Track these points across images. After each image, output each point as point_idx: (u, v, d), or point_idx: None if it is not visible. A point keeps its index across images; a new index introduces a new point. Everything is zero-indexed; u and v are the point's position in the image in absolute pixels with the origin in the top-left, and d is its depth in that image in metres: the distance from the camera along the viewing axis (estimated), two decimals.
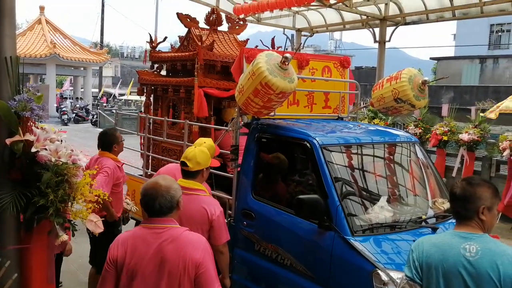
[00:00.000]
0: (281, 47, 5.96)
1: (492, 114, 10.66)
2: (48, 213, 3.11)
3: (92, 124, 28.94)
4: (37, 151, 3.12)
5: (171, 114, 6.75)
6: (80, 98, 35.60)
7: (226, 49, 6.64)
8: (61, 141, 3.29)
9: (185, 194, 3.73)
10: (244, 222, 4.73)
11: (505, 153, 9.38)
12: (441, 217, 4.48)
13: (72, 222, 3.31)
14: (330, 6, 11.42)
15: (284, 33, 14.69)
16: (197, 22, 6.73)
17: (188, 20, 6.67)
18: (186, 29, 6.71)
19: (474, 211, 2.60)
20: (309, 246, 4.09)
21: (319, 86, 5.61)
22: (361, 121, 8.02)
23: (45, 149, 3.14)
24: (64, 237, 3.21)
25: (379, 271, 3.54)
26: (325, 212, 3.92)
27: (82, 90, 37.44)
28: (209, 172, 4.35)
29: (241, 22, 7.35)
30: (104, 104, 34.09)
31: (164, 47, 7.84)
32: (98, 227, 3.35)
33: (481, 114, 10.75)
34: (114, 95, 41.10)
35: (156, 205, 2.91)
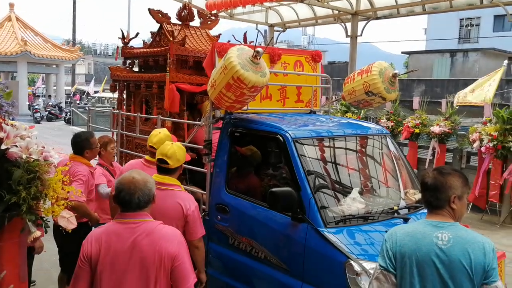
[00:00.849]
0: (253, 41, 5.96)
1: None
2: (22, 211, 3.07)
3: (66, 122, 28.49)
4: (7, 148, 3.08)
5: (144, 110, 6.71)
6: (53, 95, 35.04)
7: (199, 44, 6.63)
8: (30, 137, 3.25)
9: (160, 189, 3.74)
10: (219, 216, 4.74)
11: (475, 145, 9.59)
12: (413, 207, 4.56)
13: (44, 218, 3.28)
14: (302, 1, 11.52)
15: (256, 29, 14.72)
16: (169, 18, 6.71)
17: (160, 15, 6.64)
18: (158, 25, 6.69)
19: (446, 200, 2.63)
20: (283, 238, 4.12)
21: (292, 81, 5.64)
22: (333, 115, 8.08)
23: (16, 146, 3.10)
24: (37, 233, 3.18)
25: (352, 262, 3.59)
26: (298, 205, 3.95)
27: (55, 88, 36.78)
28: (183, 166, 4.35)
29: (213, 18, 7.34)
30: (78, 102, 33.56)
31: (137, 43, 7.79)
32: (70, 222, 3.32)
33: (455, 104, 10.83)
34: (88, 93, 40.52)
35: (134, 199, 2.91)
